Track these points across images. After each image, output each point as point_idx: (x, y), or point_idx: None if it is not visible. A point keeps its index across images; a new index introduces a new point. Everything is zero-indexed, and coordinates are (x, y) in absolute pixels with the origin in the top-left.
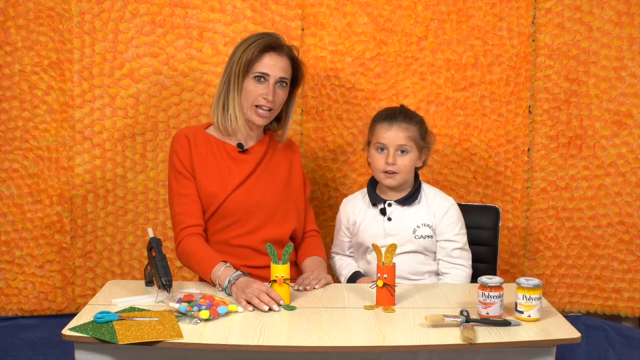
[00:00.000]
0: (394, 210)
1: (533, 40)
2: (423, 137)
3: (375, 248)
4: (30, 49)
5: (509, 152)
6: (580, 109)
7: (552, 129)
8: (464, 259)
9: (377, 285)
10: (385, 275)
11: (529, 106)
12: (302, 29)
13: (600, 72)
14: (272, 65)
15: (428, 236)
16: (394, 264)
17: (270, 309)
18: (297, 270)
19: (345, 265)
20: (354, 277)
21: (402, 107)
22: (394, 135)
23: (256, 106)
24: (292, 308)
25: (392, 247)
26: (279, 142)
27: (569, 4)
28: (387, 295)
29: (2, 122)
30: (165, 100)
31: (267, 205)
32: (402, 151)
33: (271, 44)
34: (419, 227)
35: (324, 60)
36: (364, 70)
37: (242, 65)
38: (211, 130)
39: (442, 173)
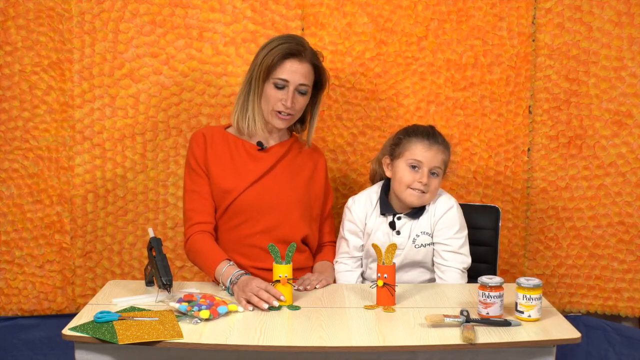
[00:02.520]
0: (403, 224)
1: (533, 40)
2: (447, 164)
3: (375, 248)
4: (30, 49)
5: (509, 152)
6: (580, 109)
7: (552, 129)
8: (457, 262)
9: (377, 285)
10: (385, 275)
11: (529, 106)
12: (302, 29)
13: (600, 72)
14: (293, 72)
15: (428, 244)
16: (394, 263)
17: (270, 307)
18: None
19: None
20: None
21: (434, 128)
22: (432, 156)
23: (277, 111)
24: (297, 308)
25: (392, 247)
26: (304, 146)
27: (569, 4)
28: (387, 295)
29: (2, 122)
30: (165, 100)
31: (282, 206)
32: (433, 173)
33: (293, 50)
34: (418, 235)
35: (324, 61)
36: (364, 70)
37: (263, 69)
38: (231, 130)
39: None
